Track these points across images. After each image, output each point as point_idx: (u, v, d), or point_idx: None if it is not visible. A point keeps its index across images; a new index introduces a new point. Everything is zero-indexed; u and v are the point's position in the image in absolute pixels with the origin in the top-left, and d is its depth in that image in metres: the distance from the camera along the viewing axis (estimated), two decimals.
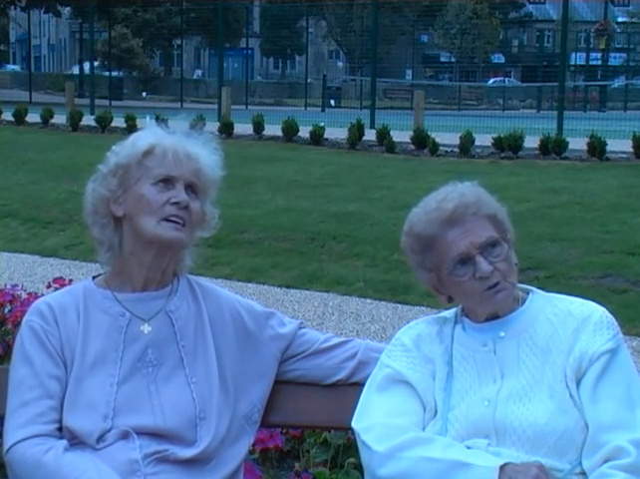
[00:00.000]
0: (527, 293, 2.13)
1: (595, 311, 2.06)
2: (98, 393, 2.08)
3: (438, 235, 2.05)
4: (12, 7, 44.71)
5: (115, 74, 46.39)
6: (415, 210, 2.13)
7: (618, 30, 50.32)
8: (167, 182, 2.15)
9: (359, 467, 2.95)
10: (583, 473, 1.94)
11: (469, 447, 1.97)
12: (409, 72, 50.53)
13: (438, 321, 2.17)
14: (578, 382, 1.99)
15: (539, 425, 1.95)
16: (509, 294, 2.06)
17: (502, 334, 2.06)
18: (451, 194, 2.09)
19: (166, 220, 2.13)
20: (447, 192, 2.10)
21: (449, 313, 2.18)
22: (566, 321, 2.05)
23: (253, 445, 2.76)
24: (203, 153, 2.22)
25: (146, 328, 2.16)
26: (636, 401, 1.97)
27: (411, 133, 15.77)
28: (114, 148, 2.23)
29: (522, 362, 2.03)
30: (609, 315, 2.06)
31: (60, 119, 20.93)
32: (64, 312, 2.15)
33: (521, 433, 1.96)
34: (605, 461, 1.91)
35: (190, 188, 2.18)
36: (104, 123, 19.44)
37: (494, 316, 2.08)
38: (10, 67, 64.84)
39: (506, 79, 52.97)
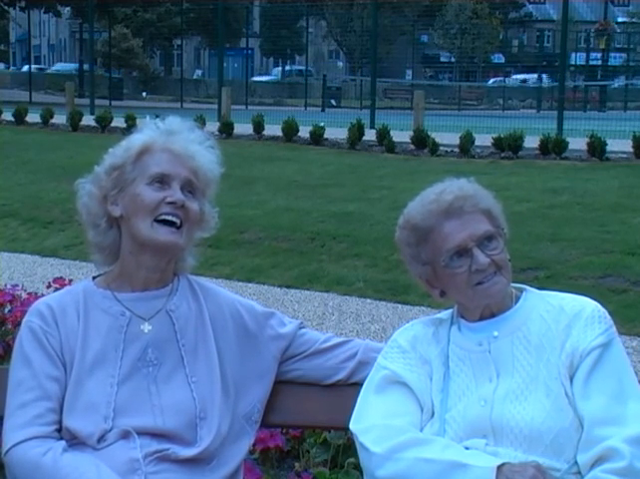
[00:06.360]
0: (521, 292, 2.13)
1: (587, 306, 2.06)
2: (98, 394, 2.07)
3: (435, 226, 2.06)
4: (12, 7, 44.65)
5: (115, 74, 46.38)
6: (411, 203, 2.14)
7: (618, 30, 50.23)
8: (163, 181, 2.14)
9: (359, 467, 2.95)
10: (580, 472, 1.94)
11: (467, 447, 1.97)
12: (409, 72, 50.49)
13: (434, 322, 2.17)
14: (571, 379, 1.99)
15: (536, 424, 1.95)
16: (503, 288, 2.06)
17: (496, 334, 2.06)
18: (449, 187, 2.11)
19: (162, 221, 2.12)
20: (445, 185, 2.12)
21: (444, 314, 2.18)
22: (558, 318, 2.05)
23: (254, 445, 2.76)
24: (200, 151, 2.20)
25: (146, 327, 2.15)
26: (628, 395, 1.97)
27: (411, 133, 15.75)
28: (110, 149, 2.23)
29: (517, 361, 2.03)
30: (601, 309, 2.06)
31: (60, 119, 20.91)
32: (64, 313, 2.15)
33: (518, 432, 1.96)
34: (598, 459, 1.91)
35: (187, 187, 2.16)
36: (104, 123, 19.43)
37: (489, 315, 2.08)
38: (12, 68, 64.88)
39: (506, 79, 52.90)
